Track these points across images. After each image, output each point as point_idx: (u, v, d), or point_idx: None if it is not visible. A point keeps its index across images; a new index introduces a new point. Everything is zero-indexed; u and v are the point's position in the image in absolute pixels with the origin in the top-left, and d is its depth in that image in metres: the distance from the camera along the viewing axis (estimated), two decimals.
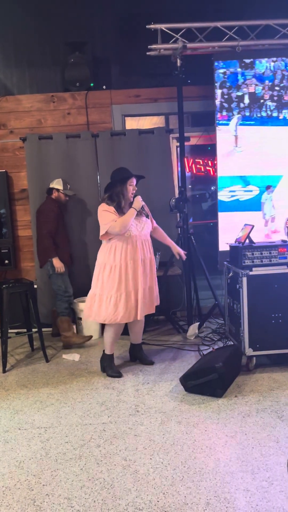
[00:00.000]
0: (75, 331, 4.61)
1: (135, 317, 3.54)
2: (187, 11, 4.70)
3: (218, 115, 4.35)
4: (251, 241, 3.75)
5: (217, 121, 4.41)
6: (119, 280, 3.47)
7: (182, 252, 3.92)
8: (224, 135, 4.41)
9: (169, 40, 4.44)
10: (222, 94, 4.28)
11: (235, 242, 3.87)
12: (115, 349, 3.81)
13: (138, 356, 3.89)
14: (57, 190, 4.50)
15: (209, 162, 5.95)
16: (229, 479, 2.29)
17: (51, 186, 4.54)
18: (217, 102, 4.33)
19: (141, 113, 5.19)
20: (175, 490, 2.22)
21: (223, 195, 4.47)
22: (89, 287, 4.90)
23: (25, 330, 4.43)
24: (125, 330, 3.76)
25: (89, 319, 3.73)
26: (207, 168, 6.05)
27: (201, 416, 2.93)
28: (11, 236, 4.97)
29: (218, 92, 4.29)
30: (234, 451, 2.52)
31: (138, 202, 3.51)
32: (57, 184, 4.51)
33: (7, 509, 2.17)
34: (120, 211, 3.50)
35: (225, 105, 4.30)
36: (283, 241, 3.82)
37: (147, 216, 3.63)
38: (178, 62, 4.43)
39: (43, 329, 4.28)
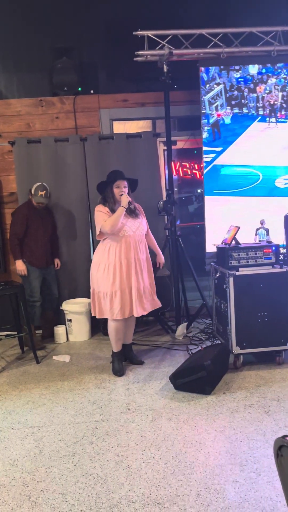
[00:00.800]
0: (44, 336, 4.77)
1: (130, 313, 3.62)
2: (173, 18, 4.81)
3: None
4: (237, 243, 3.86)
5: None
6: (113, 278, 3.55)
7: (161, 263, 4.06)
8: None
9: (155, 47, 4.54)
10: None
11: (222, 243, 3.97)
12: (108, 349, 3.87)
13: (128, 356, 3.96)
14: (31, 193, 4.48)
15: (196, 165, 6.05)
16: (218, 471, 2.37)
17: None
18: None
19: (129, 117, 5.25)
20: (166, 483, 2.30)
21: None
22: (76, 290, 5.01)
23: (15, 332, 4.46)
24: None
25: (95, 316, 3.78)
26: (194, 171, 6.15)
27: (190, 412, 3.01)
28: (0, 239, 5.00)
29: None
30: (223, 445, 2.61)
31: (124, 199, 3.57)
32: (33, 188, 4.46)
33: (3, 506, 2.21)
34: (114, 212, 3.59)
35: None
36: (268, 242, 3.93)
37: (135, 212, 3.67)
38: (165, 68, 4.52)
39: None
